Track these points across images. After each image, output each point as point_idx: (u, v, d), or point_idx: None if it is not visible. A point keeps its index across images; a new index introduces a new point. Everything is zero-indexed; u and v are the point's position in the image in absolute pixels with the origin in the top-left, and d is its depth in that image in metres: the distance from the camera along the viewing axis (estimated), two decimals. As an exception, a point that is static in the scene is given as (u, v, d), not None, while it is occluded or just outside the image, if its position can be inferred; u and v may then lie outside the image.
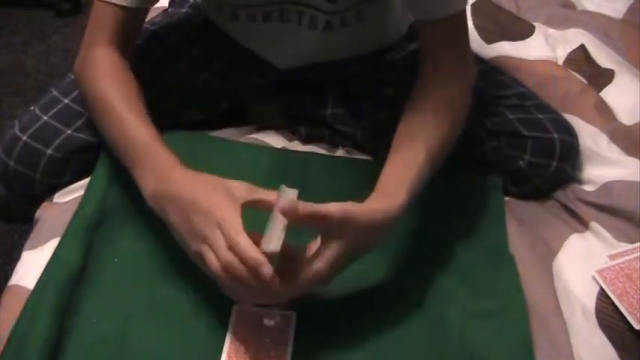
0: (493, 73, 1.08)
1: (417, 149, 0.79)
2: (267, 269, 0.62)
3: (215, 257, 0.65)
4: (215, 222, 0.65)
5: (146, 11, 0.93)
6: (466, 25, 0.86)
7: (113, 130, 0.82)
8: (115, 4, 0.87)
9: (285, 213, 0.64)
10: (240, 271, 0.64)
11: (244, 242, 0.63)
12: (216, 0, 1.00)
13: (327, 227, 0.67)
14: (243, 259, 0.63)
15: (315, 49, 1.00)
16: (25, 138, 0.94)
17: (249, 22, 0.98)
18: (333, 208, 0.66)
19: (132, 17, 0.89)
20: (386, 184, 0.76)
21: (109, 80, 0.85)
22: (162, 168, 0.75)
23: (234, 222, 0.65)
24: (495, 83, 1.04)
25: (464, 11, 0.85)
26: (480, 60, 1.12)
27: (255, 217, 0.68)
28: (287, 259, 0.67)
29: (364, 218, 0.69)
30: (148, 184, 0.75)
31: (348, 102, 1.06)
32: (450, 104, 0.84)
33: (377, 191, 0.75)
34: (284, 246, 0.65)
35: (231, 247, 0.64)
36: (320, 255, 0.67)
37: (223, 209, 0.66)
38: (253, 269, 0.63)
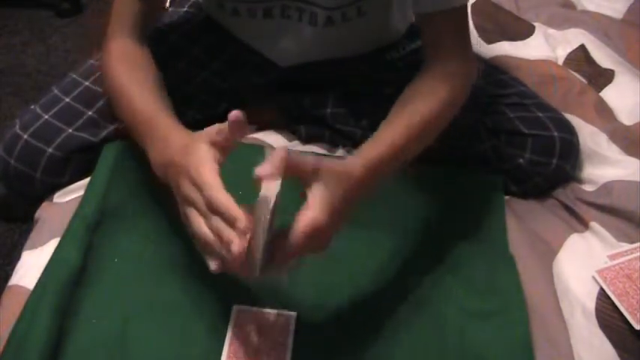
0: (493, 72, 1.08)
1: (404, 112, 0.80)
2: (244, 223, 0.61)
3: (197, 216, 0.65)
4: (192, 180, 0.66)
5: (163, 1, 0.96)
6: (467, 21, 0.87)
7: (124, 107, 0.84)
8: None
9: (263, 173, 0.64)
10: (221, 230, 0.63)
11: (222, 197, 0.63)
12: None
13: (305, 176, 0.67)
14: (222, 214, 0.62)
15: (316, 45, 1.00)
16: (25, 137, 0.94)
17: (250, 17, 0.98)
18: (307, 158, 0.68)
19: (149, 8, 0.92)
20: (365, 144, 0.77)
21: (121, 65, 0.87)
22: (163, 136, 0.76)
23: (209, 179, 0.65)
24: (496, 82, 1.04)
25: (465, 7, 0.85)
26: (480, 60, 1.12)
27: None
28: (277, 238, 0.66)
29: (339, 167, 0.69)
30: (153, 154, 0.76)
31: (348, 101, 1.06)
32: (448, 78, 0.84)
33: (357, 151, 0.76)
34: (272, 230, 0.64)
35: (209, 204, 0.63)
36: (308, 203, 0.66)
37: (198, 167, 0.66)
38: (230, 223, 0.62)
